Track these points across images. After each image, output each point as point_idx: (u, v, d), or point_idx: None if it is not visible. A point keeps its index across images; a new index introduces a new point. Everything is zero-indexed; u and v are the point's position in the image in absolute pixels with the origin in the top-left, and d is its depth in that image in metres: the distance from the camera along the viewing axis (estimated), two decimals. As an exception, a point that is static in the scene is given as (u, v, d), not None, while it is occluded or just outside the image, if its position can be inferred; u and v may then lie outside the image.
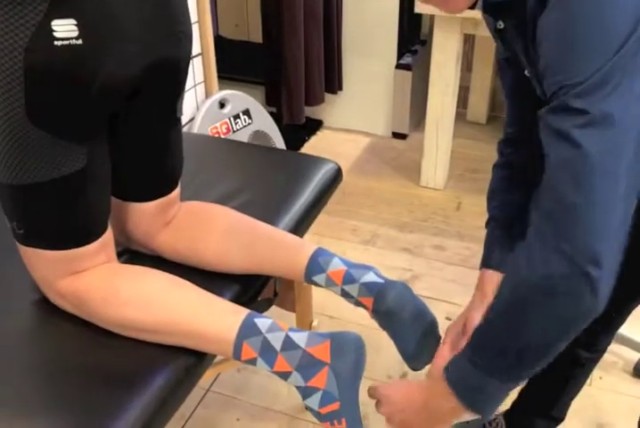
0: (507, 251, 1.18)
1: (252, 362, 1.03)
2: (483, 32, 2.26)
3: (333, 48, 2.75)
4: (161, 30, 0.98)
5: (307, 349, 1.01)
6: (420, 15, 2.91)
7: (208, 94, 2.20)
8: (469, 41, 2.84)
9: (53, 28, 0.86)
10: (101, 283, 1.09)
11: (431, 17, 2.89)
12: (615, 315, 1.32)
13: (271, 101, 2.76)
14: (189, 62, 1.09)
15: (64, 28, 0.86)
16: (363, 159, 2.83)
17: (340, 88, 2.88)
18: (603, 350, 1.41)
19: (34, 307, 1.15)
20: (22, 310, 1.14)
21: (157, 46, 0.98)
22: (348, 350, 1.02)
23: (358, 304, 1.14)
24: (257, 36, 3.09)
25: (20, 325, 1.12)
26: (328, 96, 2.86)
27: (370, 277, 1.12)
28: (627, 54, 0.75)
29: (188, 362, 1.06)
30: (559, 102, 0.78)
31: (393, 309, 1.09)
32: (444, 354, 1.09)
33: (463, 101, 2.98)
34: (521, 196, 1.20)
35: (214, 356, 1.12)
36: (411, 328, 1.10)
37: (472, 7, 0.97)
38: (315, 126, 2.99)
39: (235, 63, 2.92)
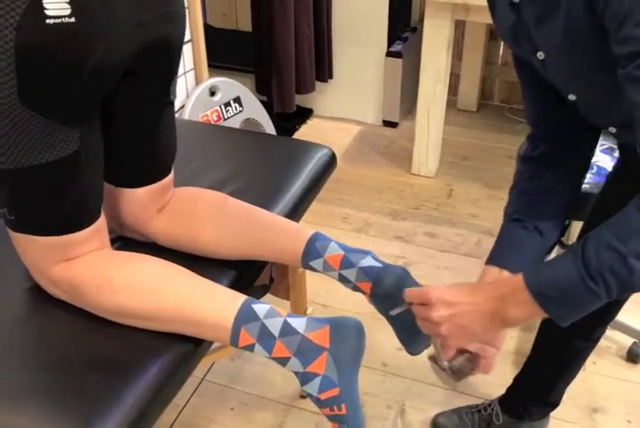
0: (521, 254, 1.16)
1: (250, 348, 1.02)
2: (474, 18, 2.25)
3: (323, 36, 2.73)
4: (154, 10, 0.96)
5: (305, 334, 1.00)
6: (410, 1, 2.89)
7: (198, 82, 2.18)
8: (459, 28, 2.83)
9: (45, 5, 0.83)
10: (94, 270, 1.07)
11: (422, 3, 2.88)
12: (614, 304, 1.32)
13: (261, 89, 2.74)
14: (182, 43, 1.07)
15: (56, 6, 0.84)
16: (354, 147, 2.81)
17: (331, 76, 2.86)
18: (599, 338, 1.41)
19: (26, 295, 1.13)
20: (14, 298, 1.12)
21: (150, 26, 0.96)
22: (347, 336, 1.00)
23: (356, 289, 1.13)
24: (245, 25, 3.06)
25: (13, 312, 1.10)
26: (318, 85, 2.84)
27: (368, 261, 1.11)
28: None
29: (184, 349, 1.05)
30: None
31: (392, 293, 1.08)
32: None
33: (453, 89, 2.97)
34: (551, 177, 1.17)
35: (210, 343, 1.11)
36: (409, 312, 1.09)
37: None
38: (305, 114, 2.97)
39: (224, 52, 2.89)
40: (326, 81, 2.85)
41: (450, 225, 2.36)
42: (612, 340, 1.87)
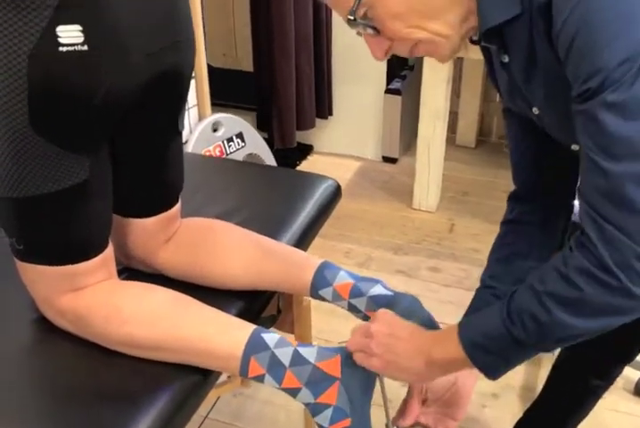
0: None
1: (260, 379, 1.00)
2: (473, 55, 2.28)
3: (323, 74, 2.77)
4: (164, 40, 0.97)
5: (316, 363, 0.99)
6: (408, 41, 2.94)
7: (201, 118, 2.20)
8: (457, 66, 2.87)
9: (58, 33, 0.84)
10: (102, 300, 1.06)
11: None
12: (634, 344, 1.31)
13: (262, 126, 2.76)
14: (192, 72, 1.08)
15: (69, 34, 0.85)
16: (354, 182, 2.82)
17: (331, 113, 2.89)
18: (615, 378, 1.40)
19: (32, 326, 1.11)
20: (21, 330, 1.11)
21: (160, 56, 0.97)
22: (359, 365, 0.99)
23: (366, 318, 1.12)
24: (245, 64, 3.11)
25: (20, 344, 1.09)
26: (319, 121, 2.87)
27: (378, 290, 1.11)
28: None
29: (193, 380, 1.03)
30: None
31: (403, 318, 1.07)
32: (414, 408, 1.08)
33: (452, 126, 3.00)
34: (526, 244, 1.16)
35: (219, 373, 1.09)
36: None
37: (475, 42, 0.95)
38: (305, 150, 2.99)
39: (225, 91, 2.92)
40: (326, 118, 2.88)
41: (453, 259, 2.36)
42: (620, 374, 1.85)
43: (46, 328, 1.10)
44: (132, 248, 1.20)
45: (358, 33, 0.93)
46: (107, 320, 1.04)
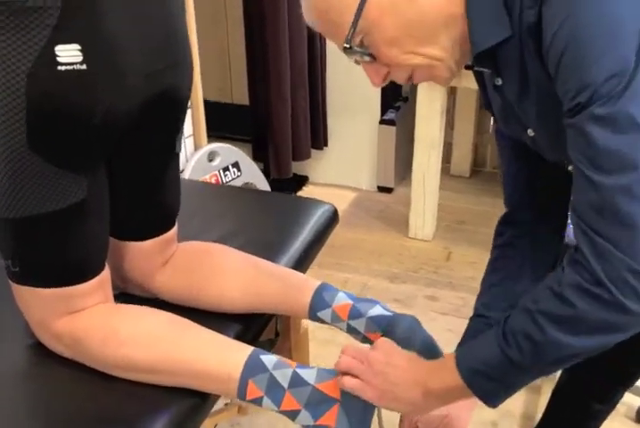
0: None
1: (258, 401, 0.99)
2: (466, 84, 2.31)
3: (318, 105, 2.79)
4: (162, 60, 0.98)
5: (316, 385, 0.98)
6: (401, 73, 2.97)
7: (197, 147, 2.21)
8: (450, 97, 2.90)
9: (57, 53, 0.85)
10: (99, 322, 1.05)
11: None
12: (635, 368, 1.30)
13: (258, 156, 2.78)
14: (189, 94, 1.08)
15: (68, 53, 0.86)
16: (350, 212, 2.83)
17: (326, 144, 2.91)
18: (617, 402, 1.38)
19: (28, 351, 1.10)
20: (16, 354, 1.10)
21: (158, 76, 0.98)
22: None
23: (365, 340, 1.11)
24: (240, 98, 3.13)
25: (15, 369, 1.07)
26: (314, 152, 2.88)
27: (377, 311, 1.10)
28: None
29: (190, 403, 1.02)
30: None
31: (402, 343, 1.06)
32: None
33: (446, 156, 3.01)
34: (516, 270, 1.15)
35: (216, 398, 1.07)
36: None
37: (469, 67, 0.96)
38: (301, 181, 3.00)
39: (221, 124, 2.94)
40: (321, 149, 2.89)
41: (450, 288, 2.35)
42: (621, 401, 1.83)
43: (42, 353, 1.09)
44: (128, 271, 1.19)
45: (356, 61, 0.94)
46: (104, 342, 1.03)
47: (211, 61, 3.02)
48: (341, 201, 2.91)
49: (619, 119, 0.76)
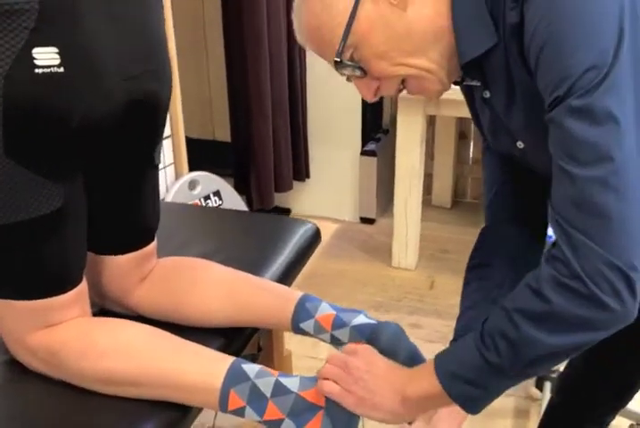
0: None
1: (240, 412, 0.96)
2: (445, 112, 2.35)
3: (300, 137, 2.81)
4: (140, 65, 0.98)
5: (299, 392, 0.95)
6: (382, 105, 3.02)
7: (177, 176, 2.20)
8: (430, 129, 2.93)
9: (34, 55, 0.85)
10: (77, 335, 1.02)
11: (393, 106, 3.01)
12: (626, 389, 1.28)
13: (240, 189, 2.77)
14: (168, 102, 1.08)
15: (46, 56, 0.85)
16: (332, 243, 2.82)
17: (308, 176, 2.92)
18: (609, 424, 1.36)
19: (2, 367, 1.07)
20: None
21: (136, 82, 0.97)
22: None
23: (349, 351, 1.09)
24: (221, 135, 3.15)
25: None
26: (296, 184, 2.89)
27: (361, 320, 1.08)
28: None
29: (171, 417, 0.99)
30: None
31: (387, 352, 1.04)
32: None
33: (427, 187, 3.03)
34: (500, 294, 1.11)
35: (198, 411, 1.04)
36: None
37: (457, 83, 0.97)
38: (283, 213, 2.99)
39: (202, 160, 2.95)
40: (303, 180, 2.90)
41: (435, 315, 2.33)
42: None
43: (17, 369, 1.06)
44: (106, 287, 1.17)
45: (347, 78, 0.95)
46: (82, 355, 1.00)
47: (192, 99, 3.05)
48: (324, 232, 2.88)
49: (595, 111, 0.76)
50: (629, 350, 1.21)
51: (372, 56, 0.88)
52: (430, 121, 2.88)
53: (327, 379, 0.96)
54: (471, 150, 3.07)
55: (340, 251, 2.75)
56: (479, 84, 0.96)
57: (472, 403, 0.89)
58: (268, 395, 0.95)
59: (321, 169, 2.93)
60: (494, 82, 0.93)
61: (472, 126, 3.01)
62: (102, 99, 0.92)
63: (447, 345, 1.01)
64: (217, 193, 2.30)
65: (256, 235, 1.43)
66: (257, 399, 0.95)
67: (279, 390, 0.95)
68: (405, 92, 0.96)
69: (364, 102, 2.80)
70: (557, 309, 0.79)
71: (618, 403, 1.32)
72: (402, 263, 2.61)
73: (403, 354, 1.05)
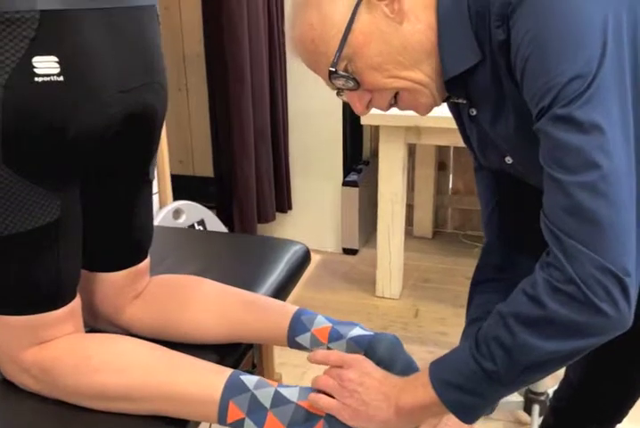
0: None
1: (239, 424, 0.95)
2: (425, 140, 2.39)
3: (282, 169, 2.83)
4: (138, 79, 0.99)
5: (299, 402, 0.94)
6: (362, 137, 3.06)
7: (162, 205, 2.20)
8: (410, 160, 2.97)
9: (34, 64, 0.86)
10: (70, 350, 1.01)
11: (373, 139, 3.05)
12: (624, 405, 1.29)
13: (223, 220, 2.77)
14: (164, 117, 1.09)
15: (45, 65, 0.86)
16: (316, 274, 2.81)
17: (290, 207, 2.93)
18: None
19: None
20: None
21: (133, 94, 0.98)
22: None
23: (345, 364, 1.08)
24: (202, 170, 3.16)
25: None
26: (278, 215, 2.90)
27: (357, 332, 1.08)
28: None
29: (168, 431, 0.97)
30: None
31: (384, 363, 1.04)
32: None
33: (408, 218, 3.05)
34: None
35: (196, 425, 1.02)
36: None
37: (446, 100, 0.98)
38: (265, 245, 2.99)
39: (183, 195, 2.95)
40: (286, 212, 2.91)
41: (420, 343, 2.32)
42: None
43: (10, 388, 1.04)
44: (99, 304, 1.16)
45: (339, 92, 0.96)
46: (76, 370, 0.98)
47: (172, 134, 3.06)
48: (307, 263, 2.90)
49: (580, 119, 0.77)
50: (628, 368, 1.22)
51: (366, 68, 0.90)
52: (410, 152, 2.92)
53: (322, 392, 0.95)
54: (451, 180, 3.11)
55: (324, 282, 2.75)
56: (464, 102, 0.98)
57: (467, 411, 0.89)
58: (268, 406, 0.94)
59: (303, 200, 2.95)
60: (479, 99, 0.95)
61: (452, 156, 3.07)
62: (99, 109, 0.93)
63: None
64: (201, 223, 2.30)
65: (247, 255, 1.43)
66: (256, 410, 0.94)
67: (278, 400, 0.94)
68: (392, 110, 0.97)
69: (344, 134, 2.84)
70: (552, 315, 0.79)
71: (616, 417, 1.32)
72: (386, 292, 2.61)
73: (400, 365, 1.05)
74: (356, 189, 2.83)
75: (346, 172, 2.88)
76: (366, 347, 1.06)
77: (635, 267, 0.78)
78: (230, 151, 2.64)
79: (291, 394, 0.95)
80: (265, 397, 0.95)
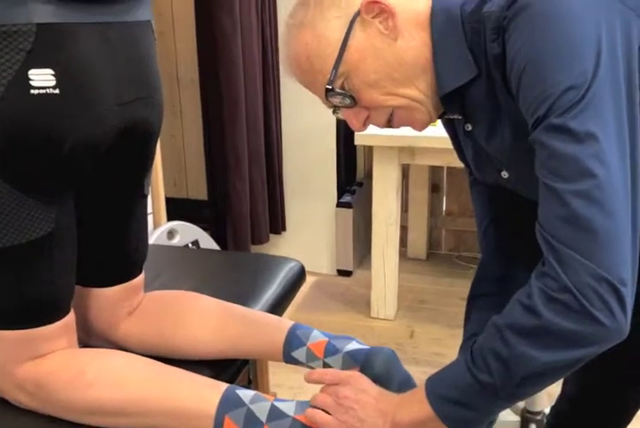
0: None
1: (235, 439, 0.94)
2: (419, 161, 2.40)
3: (276, 191, 2.84)
4: (133, 93, 0.99)
5: (295, 416, 0.94)
6: (355, 159, 3.08)
7: (156, 225, 2.20)
8: (404, 182, 2.99)
9: (30, 77, 0.86)
10: (64, 365, 1.00)
11: (366, 160, 3.07)
12: (625, 415, 1.28)
13: (217, 242, 2.77)
14: (159, 131, 1.09)
15: (41, 78, 0.87)
16: (311, 296, 2.81)
17: (284, 228, 2.93)
18: None
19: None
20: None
21: (129, 108, 0.99)
22: None
23: (342, 379, 1.08)
24: (196, 193, 3.17)
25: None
26: (272, 237, 2.90)
27: (353, 346, 1.08)
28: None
29: (163, 447, 0.96)
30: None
31: (381, 378, 1.03)
32: None
33: (402, 240, 3.06)
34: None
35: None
36: None
37: (441, 116, 0.99)
38: (259, 267, 2.98)
39: (176, 216, 2.95)
40: (280, 233, 2.91)
41: (415, 363, 2.31)
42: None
43: (3, 405, 1.03)
44: (93, 320, 1.15)
45: (335, 110, 0.96)
46: (71, 385, 0.97)
47: (166, 158, 3.07)
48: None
49: (574, 128, 0.78)
50: (624, 380, 1.21)
51: (362, 85, 0.90)
52: (404, 174, 2.94)
53: (318, 406, 0.94)
54: (444, 202, 3.12)
55: (319, 303, 2.74)
56: (460, 117, 0.98)
57: (464, 426, 0.88)
58: (264, 420, 0.93)
59: (297, 222, 2.95)
60: (475, 114, 0.95)
61: (445, 178, 3.08)
62: (95, 122, 0.93)
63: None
64: (195, 243, 2.30)
65: (242, 272, 1.43)
66: (252, 424, 0.93)
67: (275, 414, 0.94)
68: (386, 130, 0.97)
69: (338, 156, 2.85)
70: (548, 324, 0.78)
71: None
72: (381, 313, 2.60)
73: (397, 379, 1.05)
74: (350, 210, 2.84)
75: (340, 193, 2.89)
76: (363, 361, 1.05)
77: (630, 275, 0.78)
78: (224, 173, 2.65)
79: (287, 408, 0.95)
80: (261, 411, 0.94)
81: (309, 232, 2.95)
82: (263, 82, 2.68)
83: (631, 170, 0.79)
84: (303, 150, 2.86)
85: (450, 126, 1.05)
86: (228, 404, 0.94)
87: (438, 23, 0.90)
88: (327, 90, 0.91)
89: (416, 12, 0.90)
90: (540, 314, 0.79)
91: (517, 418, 1.95)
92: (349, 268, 2.95)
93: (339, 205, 2.86)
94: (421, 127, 0.97)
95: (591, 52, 0.79)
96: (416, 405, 0.89)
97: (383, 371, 1.04)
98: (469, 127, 0.98)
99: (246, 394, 0.96)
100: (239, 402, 0.94)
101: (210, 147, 2.71)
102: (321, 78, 0.91)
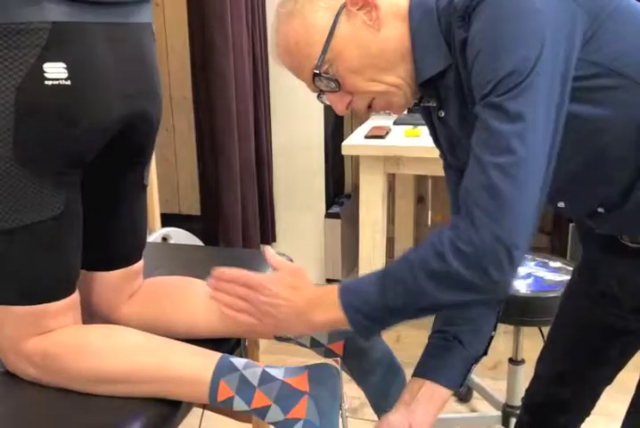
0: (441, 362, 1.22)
1: (229, 402, 1.02)
2: (404, 170, 2.50)
3: (266, 202, 2.92)
4: (136, 85, 1.09)
5: (285, 379, 1.02)
6: (343, 172, 3.18)
7: (150, 231, 2.28)
8: (390, 194, 3.08)
9: (45, 69, 0.96)
10: (70, 338, 1.08)
11: (356, 172, 3.17)
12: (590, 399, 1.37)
13: (208, 251, 2.84)
14: (159, 125, 1.19)
15: (55, 70, 0.97)
16: (300, 304, 2.87)
17: (274, 239, 3.01)
18: None
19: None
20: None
21: (134, 99, 1.08)
22: (325, 379, 1.03)
23: (328, 354, 1.16)
24: (187, 208, 3.25)
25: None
26: (262, 247, 2.97)
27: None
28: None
29: (163, 410, 1.04)
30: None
31: (365, 348, 1.12)
32: None
33: (389, 251, 3.14)
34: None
35: (188, 407, 1.09)
36: (379, 368, 1.13)
37: (417, 104, 1.09)
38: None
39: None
40: (270, 244, 2.99)
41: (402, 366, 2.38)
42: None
43: (11, 378, 1.10)
44: (96, 303, 1.23)
45: (319, 94, 1.06)
46: (76, 356, 1.05)
47: (158, 173, 3.15)
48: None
49: (508, 108, 0.88)
50: (591, 362, 1.30)
51: (346, 72, 1.00)
52: (390, 186, 3.04)
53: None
54: (430, 213, 3.22)
55: (308, 310, 2.81)
56: (434, 104, 1.08)
57: (366, 332, 1.00)
58: (256, 384, 1.01)
59: (287, 232, 3.04)
60: (447, 100, 1.05)
61: (430, 189, 3.19)
62: (103, 109, 1.03)
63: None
64: (189, 248, 2.37)
65: (238, 266, 1.50)
66: (245, 388, 1.01)
67: (265, 378, 1.02)
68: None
69: (327, 169, 2.96)
70: (452, 271, 0.90)
71: (585, 411, 1.39)
72: (368, 319, 2.67)
73: (379, 351, 1.14)
74: (339, 221, 2.93)
75: (328, 205, 2.99)
76: (347, 334, 1.14)
77: (525, 242, 0.89)
78: (216, 187, 2.73)
79: (277, 373, 1.03)
80: (253, 376, 1.02)
81: (299, 242, 3.04)
82: (254, 97, 2.79)
83: (550, 152, 0.90)
84: (292, 163, 2.96)
85: (426, 113, 1.14)
86: (223, 370, 1.02)
87: (417, 16, 1.00)
88: (315, 75, 1.00)
89: (397, 5, 1.00)
90: (446, 260, 0.90)
91: (498, 413, 2.02)
92: (338, 277, 3.03)
93: (327, 216, 2.95)
94: (398, 110, 1.07)
95: (536, 44, 0.89)
96: (332, 308, 0.98)
97: (367, 345, 1.12)
98: (442, 114, 1.07)
99: (239, 361, 1.04)
100: (232, 368, 1.03)
101: (203, 162, 2.79)
102: (308, 64, 1.00)
